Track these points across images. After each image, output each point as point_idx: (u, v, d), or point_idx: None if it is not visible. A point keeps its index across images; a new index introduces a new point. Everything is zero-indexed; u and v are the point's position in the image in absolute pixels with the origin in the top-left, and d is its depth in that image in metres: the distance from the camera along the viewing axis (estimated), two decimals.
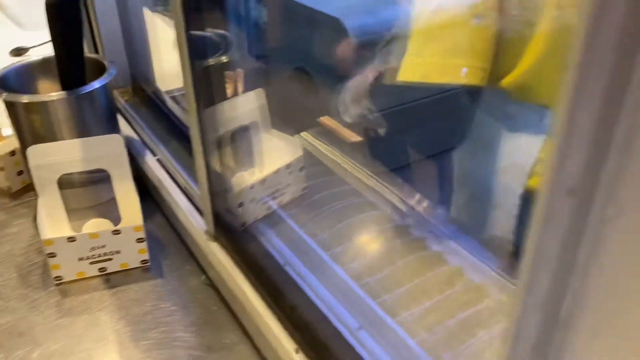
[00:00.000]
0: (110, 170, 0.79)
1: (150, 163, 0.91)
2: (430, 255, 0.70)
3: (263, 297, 0.63)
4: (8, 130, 1.00)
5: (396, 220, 0.75)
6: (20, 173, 0.95)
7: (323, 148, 0.92)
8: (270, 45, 0.90)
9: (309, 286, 0.64)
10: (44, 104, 0.82)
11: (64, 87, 0.84)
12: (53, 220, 0.79)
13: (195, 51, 0.59)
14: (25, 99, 0.82)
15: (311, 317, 0.59)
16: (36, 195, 0.90)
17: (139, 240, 0.77)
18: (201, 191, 0.71)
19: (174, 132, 0.97)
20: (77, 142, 0.78)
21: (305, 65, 0.82)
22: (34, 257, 0.82)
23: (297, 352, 0.56)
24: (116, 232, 0.76)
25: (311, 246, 0.69)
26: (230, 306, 0.72)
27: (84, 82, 0.84)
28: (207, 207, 0.71)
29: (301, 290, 0.62)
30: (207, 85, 0.63)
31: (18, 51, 1.44)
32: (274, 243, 0.71)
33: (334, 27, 0.74)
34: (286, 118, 0.76)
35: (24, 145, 0.87)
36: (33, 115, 0.83)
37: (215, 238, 0.73)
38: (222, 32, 0.80)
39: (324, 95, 0.81)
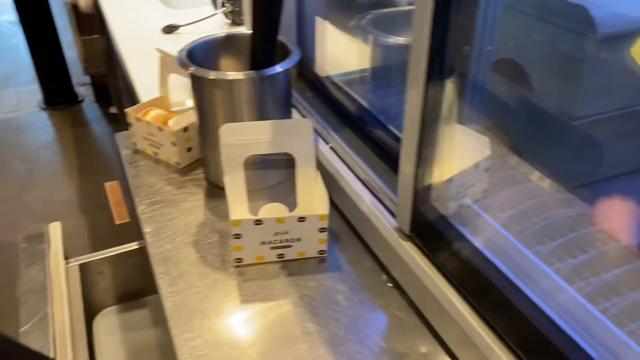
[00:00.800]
0: (296, 155, 0.78)
1: (324, 151, 0.89)
2: None
3: (472, 305, 0.59)
4: (189, 102, 1.02)
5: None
6: (189, 149, 0.97)
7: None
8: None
9: (529, 295, 0.58)
10: (229, 82, 0.82)
11: (253, 67, 0.83)
12: (236, 201, 0.78)
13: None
14: (212, 75, 0.82)
15: (538, 329, 0.53)
16: (203, 172, 0.95)
17: (321, 229, 0.75)
18: (403, 187, 0.68)
19: (345, 120, 0.95)
20: (268, 124, 0.77)
21: (516, 57, 0.76)
22: (209, 234, 0.82)
23: None
24: (301, 219, 0.74)
25: (526, 255, 0.64)
26: (421, 311, 0.68)
27: (272, 64, 0.83)
28: (405, 204, 0.68)
29: (527, 299, 0.57)
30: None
31: (169, 28, 1.48)
32: (479, 244, 0.66)
33: (576, 17, 0.67)
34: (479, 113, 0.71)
35: (203, 122, 0.88)
36: (217, 92, 0.83)
37: (409, 237, 0.70)
38: None
39: (541, 92, 0.75)
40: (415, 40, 0.58)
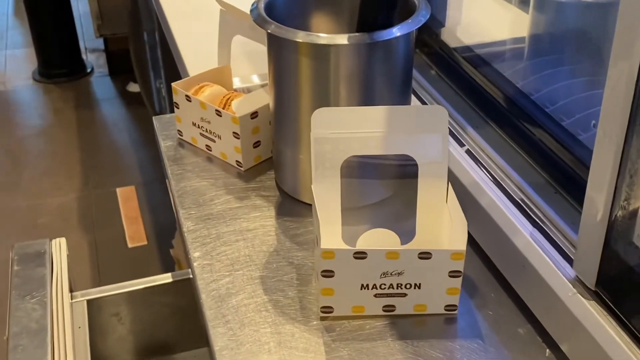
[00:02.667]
0: (420, 159, 0.77)
1: (457, 155, 0.88)
2: None
3: None
4: (251, 78, 1.03)
5: None
6: (257, 144, 0.98)
7: None
8: None
9: None
10: (325, 49, 0.82)
11: (360, 27, 0.83)
12: (327, 222, 0.78)
13: None
14: (300, 37, 0.82)
15: None
16: (275, 178, 0.95)
17: (454, 273, 0.74)
18: (589, 217, 0.65)
19: (488, 111, 0.94)
20: (381, 111, 0.77)
21: None
22: (283, 268, 0.82)
23: None
24: (425, 256, 0.73)
25: None
26: None
27: (389, 24, 0.82)
28: (592, 243, 0.65)
29: None
30: None
31: None
32: None
33: None
34: None
35: (281, 105, 0.88)
36: (306, 62, 0.84)
37: (595, 293, 0.67)
38: None
39: None
40: None
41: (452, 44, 1.03)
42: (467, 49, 1.01)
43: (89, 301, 1.09)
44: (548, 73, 0.89)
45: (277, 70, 0.87)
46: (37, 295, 0.98)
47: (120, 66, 3.19)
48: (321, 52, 0.82)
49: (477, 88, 0.96)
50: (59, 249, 1.08)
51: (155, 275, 1.18)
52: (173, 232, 1.95)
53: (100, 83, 3.26)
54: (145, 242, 2.30)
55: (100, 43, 3.32)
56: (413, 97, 1.01)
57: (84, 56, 3.37)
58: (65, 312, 0.98)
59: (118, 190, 2.53)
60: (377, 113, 0.77)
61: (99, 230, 2.36)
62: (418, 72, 1.04)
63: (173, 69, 1.44)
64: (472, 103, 0.96)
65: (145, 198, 2.50)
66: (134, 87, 3.07)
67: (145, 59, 2.36)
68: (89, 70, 3.31)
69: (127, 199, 2.51)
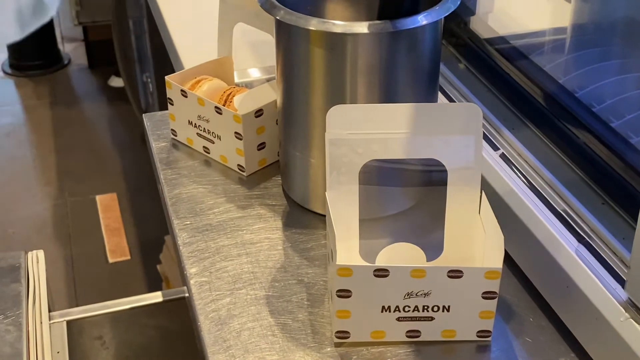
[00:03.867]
0: (449, 164, 0.77)
1: (490, 161, 0.89)
2: None
3: None
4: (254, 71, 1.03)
5: None
6: (261, 146, 0.98)
7: None
8: None
9: None
10: (342, 38, 0.82)
11: (381, 14, 0.83)
12: (344, 235, 0.78)
13: None
14: (313, 24, 0.82)
15: None
16: (282, 185, 0.95)
17: (488, 295, 0.73)
18: None
19: (526, 111, 0.94)
20: (406, 109, 0.77)
21: None
22: (292, 287, 0.82)
23: None
24: (455, 274, 0.72)
25: None
26: None
27: (414, 11, 0.83)
28: None
29: None
30: None
31: None
32: None
33: None
34: None
35: (290, 102, 0.88)
36: (319, 52, 0.83)
37: None
38: None
39: None
40: None
41: (484, 34, 1.04)
42: (501, 39, 1.02)
43: (69, 322, 1.09)
44: (594, 67, 0.89)
45: (287, 63, 0.87)
46: (11, 314, 0.98)
47: (102, 58, 3.20)
48: (337, 42, 0.82)
49: (512, 84, 0.96)
50: (36, 262, 1.08)
51: (139, 294, 1.18)
52: (160, 245, 1.96)
53: (79, 77, 3.28)
54: (128, 257, 2.30)
55: (79, 32, 3.33)
56: (440, 95, 1.01)
57: (60, 46, 3.38)
58: (44, 335, 0.98)
59: (98, 198, 2.54)
60: (400, 111, 0.76)
61: (76, 243, 2.36)
62: (445, 66, 1.04)
63: (163, 61, 1.44)
64: (507, 101, 0.96)
65: (129, 207, 2.50)
66: (116, 82, 3.08)
67: (130, 50, 2.37)
68: (65, 62, 3.33)
69: (108, 207, 2.51)
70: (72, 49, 3.41)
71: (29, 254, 1.09)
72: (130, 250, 2.32)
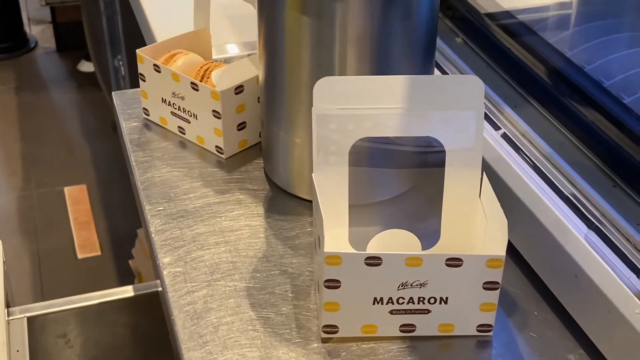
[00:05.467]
0: (448, 145, 0.76)
1: (492, 141, 0.88)
2: None
3: None
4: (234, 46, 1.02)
5: None
6: (242, 126, 0.97)
7: None
8: None
9: None
10: (329, 4, 0.81)
11: None
12: (332, 221, 0.77)
13: None
14: None
15: None
16: (264, 168, 0.95)
17: (490, 285, 0.72)
18: None
19: (531, 87, 0.94)
20: (401, 81, 0.75)
21: None
22: (275, 278, 0.82)
23: None
24: (454, 262, 0.71)
25: None
26: None
27: None
28: None
29: None
30: None
31: None
32: None
33: None
34: None
35: (273, 77, 0.87)
36: (305, 20, 0.82)
37: None
38: None
39: None
40: None
41: (486, 7, 1.04)
42: (502, 12, 1.02)
43: (29, 319, 1.09)
44: (604, 40, 0.89)
45: (270, 33, 0.86)
46: None
47: (71, 41, 3.19)
48: (325, 9, 0.81)
49: (514, 58, 0.97)
50: None
51: None
52: (132, 240, 1.96)
53: (46, 61, 3.27)
54: (99, 253, 2.29)
55: (46, 13, 3.32)
56: (436, 70, 1.01)
57: (26, 28, 3.37)
58: (2, 333, 0.96)
59: (66, 189, 2.53)
60: (394, 84, 0.75)
61: (42, 237, 2.35)
62: (441, 40, 1.04)
63: (135, 43, 1.43)
64: (509, 77, 0.96)
65: (99, 199, 2.49)
66: (86, 66, 3.08)
67: (101, 32, 2.36)
68: (32, 45, 3.32)
69: (77, 200, 2.50)
70: (39, 32, 3.41)
71: None
72: (100, 245, 2.31)
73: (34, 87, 3.10)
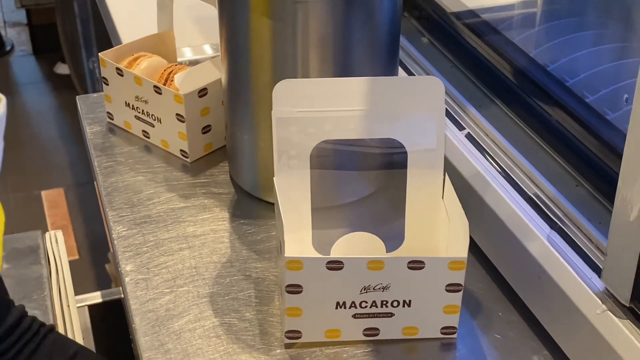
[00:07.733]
0: (410, 146, 0.76)
1: (455, 141, 0.89)
2: None
3: None
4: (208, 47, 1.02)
5: None
6: (206, 129, 0.97)
7: None
8: None
9: None
10: (290, 5, 0.81)
11: None
12: (293, 226, 0.77)
13: None
14: None
15: None
16: (229, 172, 0.95)
17: (452, 287, 0.72)
18: (620, 218, 0.64)
19: (495, 87, 0.94)
20: (362, 83, 0.76)
21: None
22: (239, 283, 0.81)
23: None
24: (416, 265, 0.71)
25: None
26: None
27: None
28: (624, 250, 0.64)
29: None
30: None
31: None
32: None
33: None
34: None
35: (236, 80, 0.87)
36: (265, 22, 0.82)
37: (629, 310, 0.66)
38: None
39: None
40: None
41: (449, 6, 1.04)
42: (467, 11, 1.02)
43: None
44: (567, 39, 0.89)
45: (231, 35, 0.86)
46: (35, 297, 0.99)
47: (47, 43, 3.17)
48: (286, 11, 0.81)
49: (478, 58, 0.97)
50: (55, 243, 1.09)
51: None
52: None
53: (22, 63, 3.25)
54: (77, 257, 2.27)
55: (22, 15, 3.30)
56: (400, 70, 1.01)
57: (2, 31, 3.34)
58: (73, 319, 1.00)
59: (43, 193, 2.51)
60: (355, 86, 0.75)
61: None
62: (406, 40, 1.04)
63: (109, 45, 1.43)
64: (473, 77, 0.96)
65: (77, 203, 2.48)
66: (63, 69, 3.06)
67: (76, 35, 2.35)
68: (8, 48, 3.29)
69: (54, 204, 2.49)
70: (15, 34, 3.38)
71: (47, 234, 1.10)
72: (78, 249, 2.29)
73: (9, 90, 3.07)
